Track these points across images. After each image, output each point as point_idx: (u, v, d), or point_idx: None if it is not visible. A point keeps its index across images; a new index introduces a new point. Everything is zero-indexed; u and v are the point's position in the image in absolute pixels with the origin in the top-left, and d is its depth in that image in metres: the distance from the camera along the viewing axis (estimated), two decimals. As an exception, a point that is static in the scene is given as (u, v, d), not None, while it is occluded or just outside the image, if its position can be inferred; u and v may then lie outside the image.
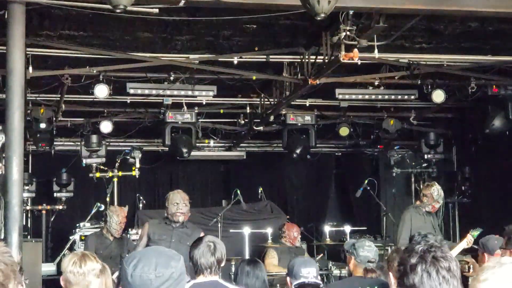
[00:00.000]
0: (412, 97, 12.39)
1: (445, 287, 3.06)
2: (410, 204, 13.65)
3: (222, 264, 5.62)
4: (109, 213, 10.37)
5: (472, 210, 14.32)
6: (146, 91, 11.61)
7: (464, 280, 8.85)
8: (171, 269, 2.92)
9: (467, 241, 8.99)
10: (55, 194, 14.79)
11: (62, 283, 5.03)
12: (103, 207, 11.55)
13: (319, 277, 5.99)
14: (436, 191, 9.99)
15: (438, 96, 11.77)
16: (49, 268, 11.95)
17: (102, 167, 13.46)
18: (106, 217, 10.39)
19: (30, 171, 14.60)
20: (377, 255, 6.75)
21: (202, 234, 8.36)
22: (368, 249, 6.69)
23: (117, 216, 10.26)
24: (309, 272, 5.66)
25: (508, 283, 2.53)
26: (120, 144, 14.59)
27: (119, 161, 13.31)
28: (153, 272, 2.88)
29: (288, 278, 5.86)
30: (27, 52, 9.25)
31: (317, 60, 10.25)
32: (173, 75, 11.37)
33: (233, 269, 9.92)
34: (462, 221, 14.72)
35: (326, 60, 9.65)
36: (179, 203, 8.41)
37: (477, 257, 7.89)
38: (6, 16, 7.20)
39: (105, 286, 5.42)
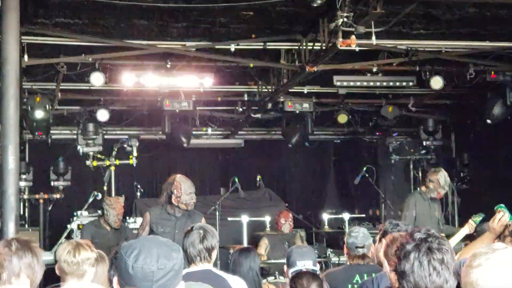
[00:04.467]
0: (411, 83, 12.33)
1: (435, 278, 3.08)
2: (409, 191, 13.68)
3: (214, 252, 5.57)
4: (105, 207, 10.35)
5: (471, 196, 14.28)
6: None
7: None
8: (173, 261, 2.89)
9: (469, 227, 8.92)
10: (52, 183, 14.72)
11: (57, 272, 5.01)
12: (100, 196, 11.47)
13: (317, 265, 5.95)
14: (442, 177, 9.96)
15: (437, 82, 11.73)
16: (47, 257, 11.81)
17: (99, 155, 13.40)
18: (103, 210, 10.37)
19: (27, 160, 14.54)
20: (365, 240, 6.71)
21: (203, 221, 8.35)
22: (354, 235, 6.68)
23: (113, 209, 10.25)
24: (305, 264, 5.63)
25: (501, 268, 2.52)
26: (117, 132, 14.54)
27: (116, 150, 13.25)
28: (155, 264, 2.85)
29: (285, 267, 5.83)
30: (22, 41, 9.21)
31: (315, 47, 10.20)
32: (169, 63, 11.31)
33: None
34: (461, 207, 14.69)
35: (324, 47, 9.60)
36: (192, 192, 8.29)
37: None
38: (0, 4, 7.14)
39: (103, 275, 5.40)
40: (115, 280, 2.99)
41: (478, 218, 8.86)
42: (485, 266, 2.51)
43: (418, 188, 10.61)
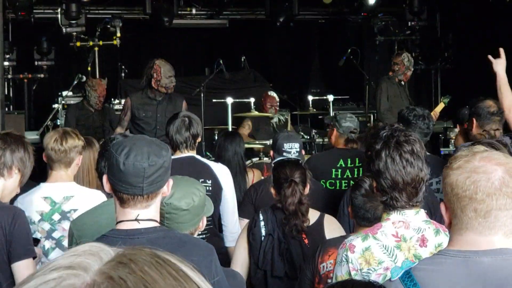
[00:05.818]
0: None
1: (409, 170, 3.21)
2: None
3: (198, 140, 5.68)
4: (87, 88, 10.40)
5: (454, 77, 14.35)
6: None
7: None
8: (163, 158, 3.03)
9: (434, 115, 9.10)
10: (36, 63, 14.63)
11: (44, 159, 5.08)
12: (84, 78, 11.47)
13: (302, 152, 6.05)
14: (406, 57, 10.11)
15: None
16: (32, 136, 11.98)
17: (82, 36, 13.27)
18: (86, 91, 10.42)
19: (10, 39, 14.38)
20: (358, 126, 6.87)
21: (184, 104, 8.43)
22: (350, 120, 6.79)
23: (95, 91, 10.29)
24: (292, 147, 5.71)
25: (480, 171, 2.56)
26: (100, 12, 14.34)
27: (99, 30, 13.12)
28: (146, 161, 2.98)
29: (271, 152, 5.92)
30: None
31: None
32: None
33: (216, 138, 9.98)
34: (443, 87, 14.78)
35: None
36: (171, 76, 8.32)
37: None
38: None
39: (89, 160, 5.49)
40: (104, 178, 3.10)
41: (446, 99, 9.13)
42: (463, 169, 2.57)
43: (386, 75, 10.72)
